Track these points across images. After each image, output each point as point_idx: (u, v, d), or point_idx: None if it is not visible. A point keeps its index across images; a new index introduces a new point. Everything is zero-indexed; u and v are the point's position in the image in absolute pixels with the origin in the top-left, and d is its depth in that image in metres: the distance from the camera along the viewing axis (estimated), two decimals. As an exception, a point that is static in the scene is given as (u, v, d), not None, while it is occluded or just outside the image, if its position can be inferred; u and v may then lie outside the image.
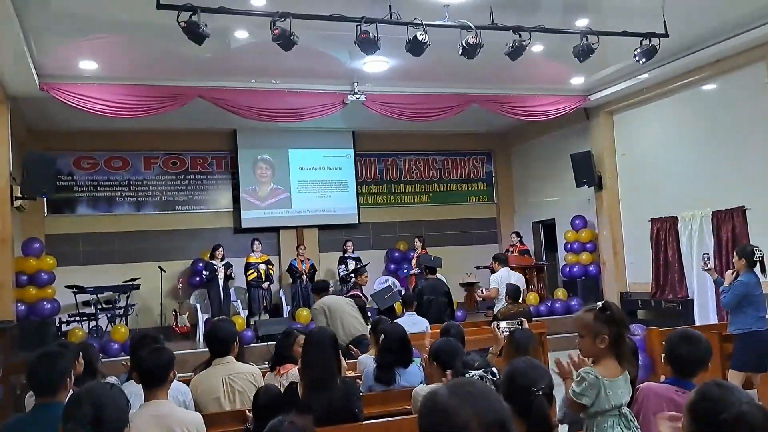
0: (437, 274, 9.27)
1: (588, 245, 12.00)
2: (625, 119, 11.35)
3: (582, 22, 7.89)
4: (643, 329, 6.72)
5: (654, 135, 10.71)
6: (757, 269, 5.76)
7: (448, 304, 8.41)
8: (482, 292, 9.47)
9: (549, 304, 11.50)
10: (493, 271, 9.24)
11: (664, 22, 7.68)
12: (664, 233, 10.33)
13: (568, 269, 12.17)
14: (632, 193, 11.24)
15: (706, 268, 6.37)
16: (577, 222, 12.14)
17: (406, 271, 12.48)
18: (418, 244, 12.23)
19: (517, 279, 9.22)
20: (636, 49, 7.94)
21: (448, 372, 3.29)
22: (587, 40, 7.58)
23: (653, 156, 10.68)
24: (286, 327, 8.23)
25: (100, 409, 2.07)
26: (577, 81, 10.66)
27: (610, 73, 10.26)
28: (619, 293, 11.19)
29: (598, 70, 10.02)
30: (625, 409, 2.76)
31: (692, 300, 9.77)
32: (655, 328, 6.54)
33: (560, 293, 11.90)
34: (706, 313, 9.50)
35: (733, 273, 5.85)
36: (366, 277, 9.68)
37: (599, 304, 2.84)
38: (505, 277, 8.91)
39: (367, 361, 4.80)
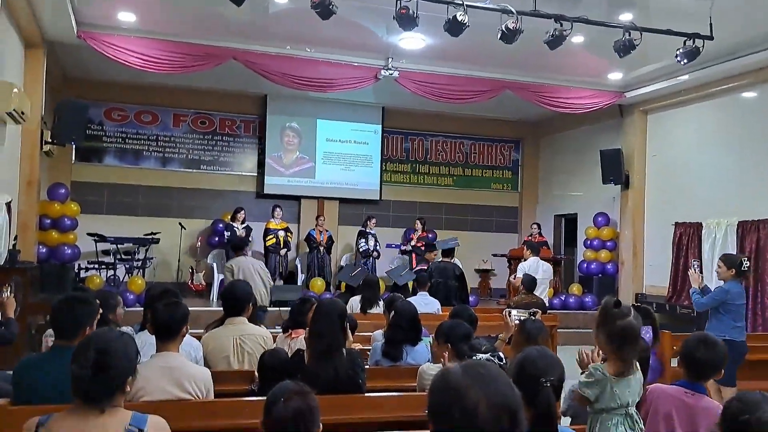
0: (453, 258, 9.24)
1: (608, 243, 11.90)
2: (659, 119, 11.17)
3: (626, 17, 7.74)
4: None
5: (688, 138, 10.53)
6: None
7: (459, 288, 8.39)
8: (514, 279, 9.54)
9: (563, 298, 11.45)
10: (524, 259, 9.21)
11: (711, 24, 7.50)
12: (687, 238, 10.20)
13: (585, 265, 12.09)
14: (659, 195, 11.09)
15: (694, 274, 6.25)
16: (599, 219, 12.03)
17: (396, 245, 12.31)
18: (419, 225, 12.18)
19: (546, 269, 9.17)
20: (678, 49, 7.78)
21: (447, 350, 3.32)
22: (629, 35, 7.45)
23: (684, 159, 10.51)
24: (302, 294, 8.37)
25: (104, 355, 2.11)
26: (615, 76, 10.50)
27: (649, 71, 10.08)
28: (635, 294, 11.11)
29: (638, 67, 9.85)
30: (632, 410, 2.75)
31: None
32: (667, 332, 6.47)
33: (575, 288, 11.85)
34: (720, 322, 9.40)
35: (701, 275, 6.09)
36: (435, 254, 9.74)
37: (612, 299, 2.82)
38: (534, 266, 8.87)
39: (378, 335, 4.83)
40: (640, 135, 11.41)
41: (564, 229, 13.91)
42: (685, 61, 7.83)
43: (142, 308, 4.53)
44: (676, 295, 10.32)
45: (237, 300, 4.13)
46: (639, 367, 2.87)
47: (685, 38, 7.70)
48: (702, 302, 5.93)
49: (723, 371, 2.98)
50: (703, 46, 7.67)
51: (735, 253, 9.23)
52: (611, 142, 11.76)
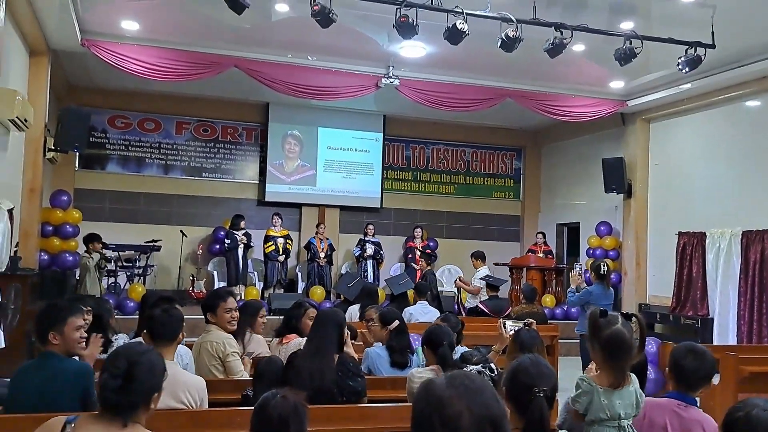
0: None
1: (611, 253, 11.83)
2: (662, 128, 11.13)
3: (627, 25, 7.72)
4: (658, 343, 6.61)
5: (690, 147, 10.49)
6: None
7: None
8: (459, 281, 9.73)
9: (565, 309, 11.39)
10: (475, 268, 9.36)
11: (713, 32, 7.48)
12: (691, 248, 10.11)
13: (588, 275, 12.01)
14: (662, 204, 11.04)
15: (575, 275, 7.16)
16: (602, 228, 11.98)
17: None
18: (418, 233, 12.58)
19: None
20: (680, 57, 7.76)
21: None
22: (630, 43, 7.43)
23: (687, 168, 10.46)
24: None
25: (133, 366, 2.15)
26: (617, 85, 10.48)
27: (651, 80, 10.05)
28: (638, 305, 11.03)
29: (639, 76, 9.83)
30: (625, 422, 2.70)
31: (712, 319, 9.58)
32: (669, 343, 6.42)
33: (577, 298, 11.77)
34: (725, 333, 9.31)
35: (580, 276, 7.14)
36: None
37: (597, 309, 2.79)
38: (489, 273, 9.07)
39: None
40: (642, 144, 11.36)
41: (567, 238, 13.87)
42: (687, 69, 7.80)
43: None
44: (680, 305, 10.23)
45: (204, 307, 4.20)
46: (636, 380, 2.83)
47: (687, 46, 7.68)
48: (571, 300, 7.06)
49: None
50: (705, 54, 7.65)
51: (736, 262, 9.23)
52: (613, 150, 11.73)
